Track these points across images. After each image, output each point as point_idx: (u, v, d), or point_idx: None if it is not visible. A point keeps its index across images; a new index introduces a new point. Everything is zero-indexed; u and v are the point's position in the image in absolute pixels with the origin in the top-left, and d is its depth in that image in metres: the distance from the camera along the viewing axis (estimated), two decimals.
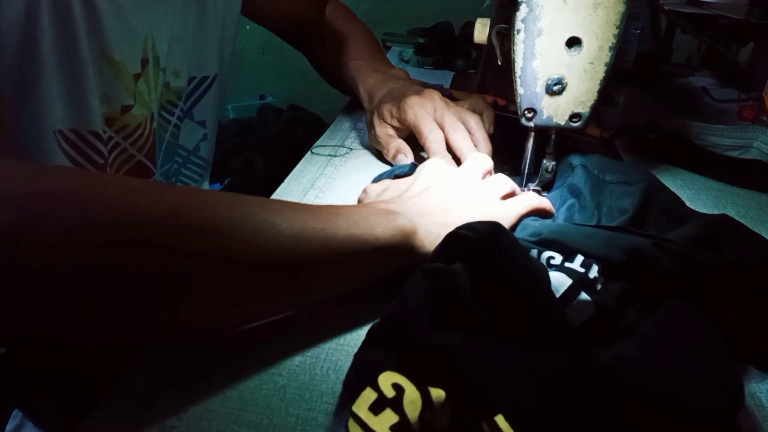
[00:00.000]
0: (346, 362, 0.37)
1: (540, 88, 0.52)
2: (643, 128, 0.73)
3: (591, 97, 0.52)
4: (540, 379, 0.30)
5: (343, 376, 0.36)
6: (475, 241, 0.35)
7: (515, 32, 0.51)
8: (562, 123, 0.53)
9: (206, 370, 0.36)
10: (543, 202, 0.50)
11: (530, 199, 0.49)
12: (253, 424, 0.33)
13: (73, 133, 0.49)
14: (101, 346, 0.43)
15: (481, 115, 0.63)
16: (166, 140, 0.62)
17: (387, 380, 0.28)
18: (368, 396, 0.27)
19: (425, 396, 0.28)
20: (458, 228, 0.37)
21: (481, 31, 0.80)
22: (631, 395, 0.29)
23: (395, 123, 0.63)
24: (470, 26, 0.86)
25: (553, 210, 0.50)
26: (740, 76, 0.98)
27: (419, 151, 0.62)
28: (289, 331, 0.40)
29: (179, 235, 0.31)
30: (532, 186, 0.57)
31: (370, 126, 0.67)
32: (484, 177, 0.52)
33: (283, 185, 0.61)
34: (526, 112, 0.54)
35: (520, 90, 0.53)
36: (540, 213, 0.49)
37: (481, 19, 0.81)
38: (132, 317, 0.31)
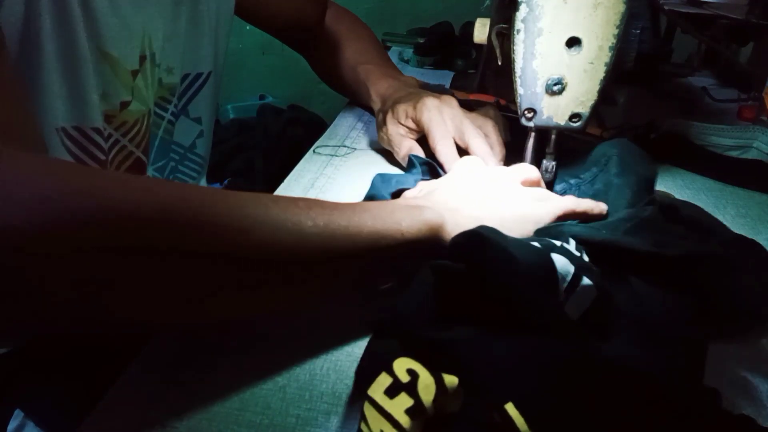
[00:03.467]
0: (346, 362, 0.37)
1: (540, 88, 0.52)
2: (643, 128, 0.73)
3: (591, 97, 0.52)
4: (547, 368, 0.30)
5: (343, 377, 0.36)
6: (463, 249, 0.36)
7: (515, 32, 0.51)
8: (562, 123, 0.53)
9: (206, 370, 0.36)
10: (582, 204, 0.47)
11: (567, 201, 0.47)
12: (253, 424, 0.33)
13: (75, 130, 0.50)
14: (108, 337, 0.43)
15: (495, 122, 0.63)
16: (159, 136, 0.63)
17: (401, 366, 0.29)
18: (383, 381, 0.28)
19: (439, 381, 0.28)
20: (455, 237, 0.38)
21: (481, 31, 0.80)
22: (626, 383, 0.30)
23: (410, 123, 0.63)
24: (470, 26, 0.86)
25: (598, 210, 0.48)
26: (740, 76, 0.98)
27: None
28: (290, 331, 0.40)
29: (185, 234, 0.30)
30: None
31: (381, 125, 0.66)
32: (525, 185, 0.50)
33: (283, 185, 0.61)
34: (526, 112, 0.54)
35: (520, 90, 0.53)
36: (577, 216, 0.47)
37: (481, 19, 0.81)
38: (139, 313, 0.31)
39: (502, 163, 0.59)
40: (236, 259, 0.32)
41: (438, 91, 0.85)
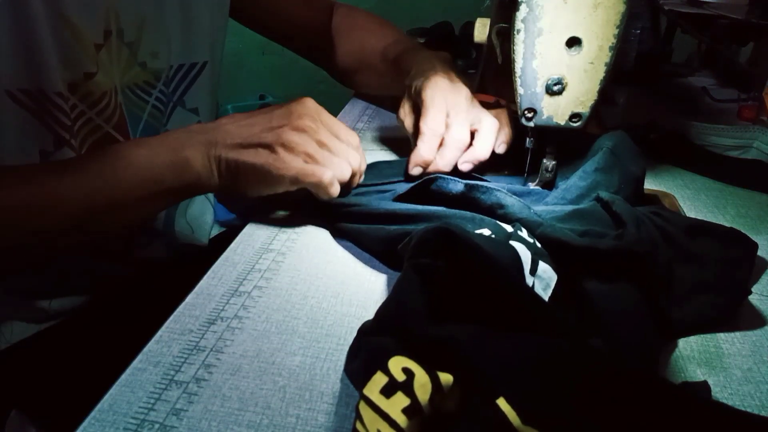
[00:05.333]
0: None
1: (540, 88, 0.52)
2: (643, 128, 0.73)
3: (591, 97, 0.52)
4: (537, 362, 0.31)
5: (343, 377, 0.36)
6: (435, 242, 0.37)
7: (515, 32, 0.51)
8: (562, 123, 0.53)
9: (206, 370, 0.36)
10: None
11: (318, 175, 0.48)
12: (253, 424, 0.33)
13: (36, 93, 0.50)
14: None
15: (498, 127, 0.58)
16: (144, 120, 0.63)
17: (397, 365, 0.29)
18: (379, 380, 0.28)
19: (434, 380, 0.28)
20: (422, 232, 0.38)
21: (481, 31, 0.80)
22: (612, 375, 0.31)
23: (416, 96, 0.59)
24: (470, 26, 0.86)
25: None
26: (740, 76, 0.98)
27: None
28: (290, 330, 0.40)
29: None
30: (531, 185, 0.57)
31: (403, 103, 0.62)
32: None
33: None
34: (526, 112, 0.53)
35: (520, 90, 0.53)
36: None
37: (481, 19, 0.80)
38: None
39: (504, 147, 0.57)
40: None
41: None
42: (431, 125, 0.55)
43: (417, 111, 0.59)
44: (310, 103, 0.52)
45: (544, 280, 0.39)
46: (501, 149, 0.58)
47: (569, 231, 0.43)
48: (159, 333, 0.39)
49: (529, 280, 0.38)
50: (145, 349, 0.38)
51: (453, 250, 0.36)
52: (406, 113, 0.61)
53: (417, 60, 0.65)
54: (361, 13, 0.85)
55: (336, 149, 0.50)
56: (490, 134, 0.57)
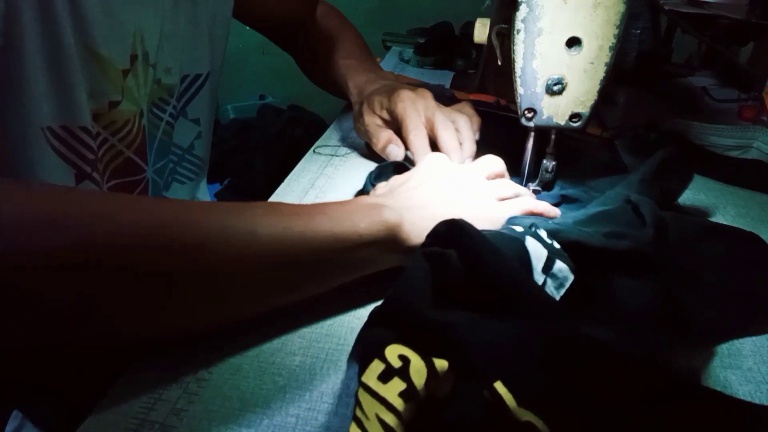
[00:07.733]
0: (347, 362, 0.37)
1: (540, 88, 0.52)
2: (643, 128, 0.73)
3: (591, 97, 0.52)
4: (532, 348, 0.32)
5: (343, 376, 0.36)
6: (444, 235, 0.38)
7: (515, 32, 0.51)
8: (562, 123, 0.53)
9: (206, 370, 0.36)
10: (539, 206, 0.49)
11: (526, 202, 0.49)
12: (253, 424, 0.33)
13: (62, 129, 0.49)
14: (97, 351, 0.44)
15: (469, 119, 0.64)
16: (158, 138, 0.62)
17: (393, 352, 0.29)
18: (376, 367, 0.29)
19: (430, 365, 0.29)
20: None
21: (481, 31, 0.80)
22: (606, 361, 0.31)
23: (384, 114, 0.64)
24: (470, 26, 0.86)
25: (553, 213, 0.49)
26: (740, 76, 0.98)
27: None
28: (290, 330, 0.40)
29: (160, 258, 0.32)
30: (531, 186, 0.57)
31: (358, 116, 0.67)
32: (490, 178, 0.52)
33: (283, 185, 0.61)
34: (526, 112, 0.54)
35: (520, 90, 0.53)
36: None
37: (481, 19, 0.81)
38: (119, 328, 0.34)
39: (470, 159, 0.59)
40: (190, 273, 0.34)
41: (439, 91, 0.85)
42: (417, 137, 0.59)
43: (386, 124, 0.64)
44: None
45: (558, 279, 0.39)
46: (477, 136, 0.63)
47: (593, 233, 0.43)
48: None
49: (540, 277, 0.39)
50: (146, 349, 0.38)
51: (460, 239, 0.37)
52: (370, 127, 0.65)
53: (364, 79, 0.72)
54: (334, 17, 0.87)
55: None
56: (469, 128, 0.61)
